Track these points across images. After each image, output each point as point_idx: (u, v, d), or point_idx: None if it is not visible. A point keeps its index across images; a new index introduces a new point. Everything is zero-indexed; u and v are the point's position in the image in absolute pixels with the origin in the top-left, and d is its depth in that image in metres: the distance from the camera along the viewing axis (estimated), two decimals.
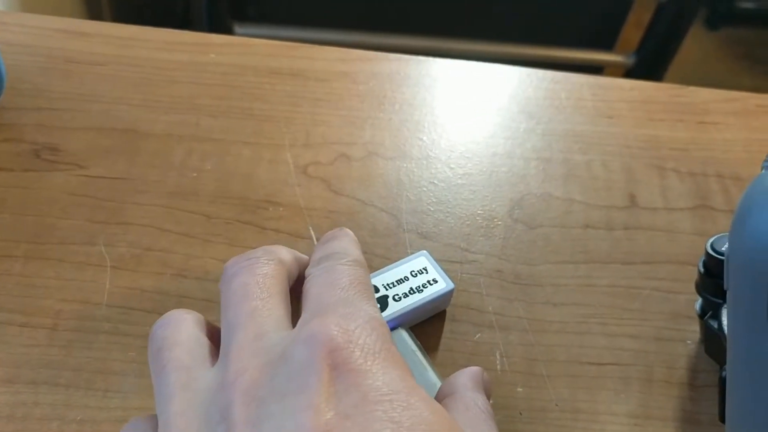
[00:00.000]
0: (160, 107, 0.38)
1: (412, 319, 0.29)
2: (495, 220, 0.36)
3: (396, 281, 0.29)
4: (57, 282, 0.31)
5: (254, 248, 0.25)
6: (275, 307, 0.22)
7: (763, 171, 0.18)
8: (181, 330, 0.23)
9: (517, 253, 0.34)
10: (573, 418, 0.29)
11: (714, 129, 0.42)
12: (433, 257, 0.30)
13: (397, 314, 0.28)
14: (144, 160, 0.36)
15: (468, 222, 0.36)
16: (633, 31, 1.30)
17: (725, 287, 0.18)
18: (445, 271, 0.30)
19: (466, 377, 0.25)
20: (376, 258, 0.33)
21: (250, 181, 0.36)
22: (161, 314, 0.30)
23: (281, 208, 0.35)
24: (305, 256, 0.27)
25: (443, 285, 0.29)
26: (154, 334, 0.23)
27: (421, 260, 0.30)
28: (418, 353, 0.28)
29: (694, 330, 0.32)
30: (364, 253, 0.33)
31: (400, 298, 0.28)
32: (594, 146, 0.40)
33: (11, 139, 0.36)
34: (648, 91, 0.44)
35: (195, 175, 0.36)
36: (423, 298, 0.29)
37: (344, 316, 0.21)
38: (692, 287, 0.32)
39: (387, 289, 0.29)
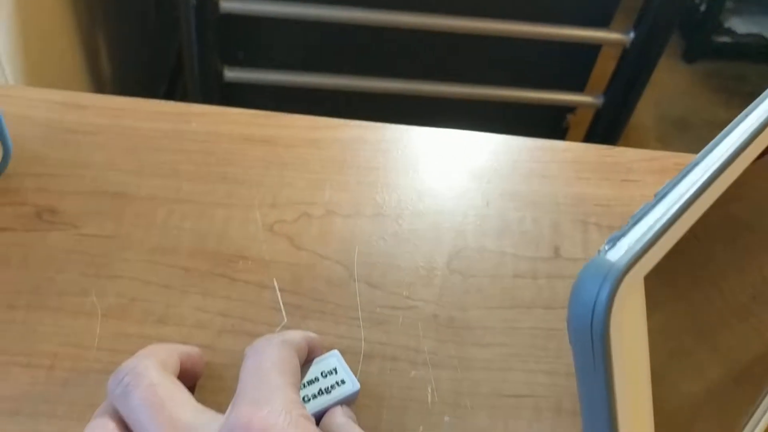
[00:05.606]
0: (146, 172, 0.44)
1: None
2: (435, 270, 0.41)
3: (307, 382, 0.32)
4: (54, 328, 0.37)
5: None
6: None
7: (600, 251, 0.24)
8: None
9: (452, 300, 0.40)
10: None
11: (635, 186, 0.48)
12: (343, 357, 0.34)
13: None
14: (130, 220, 0.42)
15: (411, 272, 0.41)
16: (602, 72, 1.37)
17: (569, 342, 0.24)
18: (353, 369, 0.35)
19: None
20: (329, 305, 0.39)
21: (223, 238, 0.41)
22: None
23: (250, 262, 0.40)
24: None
25: (349, 387, 0.33)
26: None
27: (331, 361, 0.33)
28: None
29: None
30: (320, 301, 0.39)
31: (309, 399, 0.32)
32: (527, 204, 0.46)
33: (16, 202, 0.42)
34: (579, 151, 0.50)
35: (175, 233, 0.41)
36: (330, 399, 0.32)
37: (258, 402, 0.26)
38: None
39: (300, 389, 0.31)
